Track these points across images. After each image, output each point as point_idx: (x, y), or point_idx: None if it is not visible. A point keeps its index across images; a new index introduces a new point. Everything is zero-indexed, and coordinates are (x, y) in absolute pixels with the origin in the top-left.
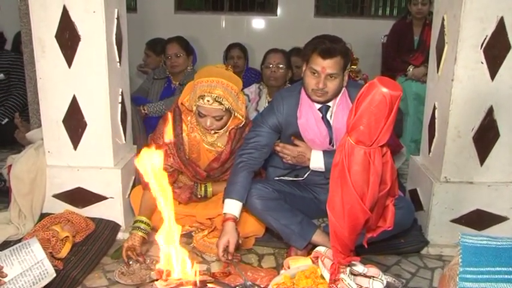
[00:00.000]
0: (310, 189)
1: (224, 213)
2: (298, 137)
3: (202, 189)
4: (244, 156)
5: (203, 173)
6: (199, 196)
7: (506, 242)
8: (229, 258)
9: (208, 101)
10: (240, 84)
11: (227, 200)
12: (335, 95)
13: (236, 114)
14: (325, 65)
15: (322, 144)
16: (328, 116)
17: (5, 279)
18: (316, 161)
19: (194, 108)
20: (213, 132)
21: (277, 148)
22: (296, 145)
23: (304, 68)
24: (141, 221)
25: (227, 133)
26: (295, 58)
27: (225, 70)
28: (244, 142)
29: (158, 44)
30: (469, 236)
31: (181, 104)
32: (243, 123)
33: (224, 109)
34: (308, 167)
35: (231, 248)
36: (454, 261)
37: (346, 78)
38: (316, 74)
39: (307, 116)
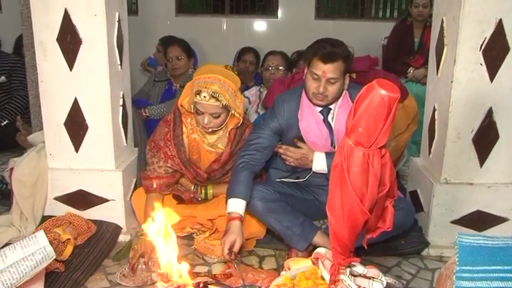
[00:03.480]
0: (311, 190)
1: (229, 213)
2: (300, 139)
3: (203, 191)
4: (245, 157)
5: (204, 174)
6: (199, 199)
7: (501, 241)
8: (233, 257)
9: (204, 96)
10: (238, 83)
11: (231, 200)
12: (336, 98)
13: (233, 112)
14: (326, 69)
15: (324, 146)
16: (329, 118)
17: (7, 263)
18: (319, 163)
19: (192, 106)
20: (210, 130)
21: (280, 150)
22: (299, 147)
23: (305, 71)
24: None
25: (227, 134)
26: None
27: (224, 68)
28: (245, 144)
29: (170, 42)
30: (465, 235)
31: (181, 105)
32: (241, 122)
33: (221, 106)
34: (310, 169)
35: (237, 248)
36: (451, 260)
37: (347, 81)
38: (316, 78)
39: (308, 118)
